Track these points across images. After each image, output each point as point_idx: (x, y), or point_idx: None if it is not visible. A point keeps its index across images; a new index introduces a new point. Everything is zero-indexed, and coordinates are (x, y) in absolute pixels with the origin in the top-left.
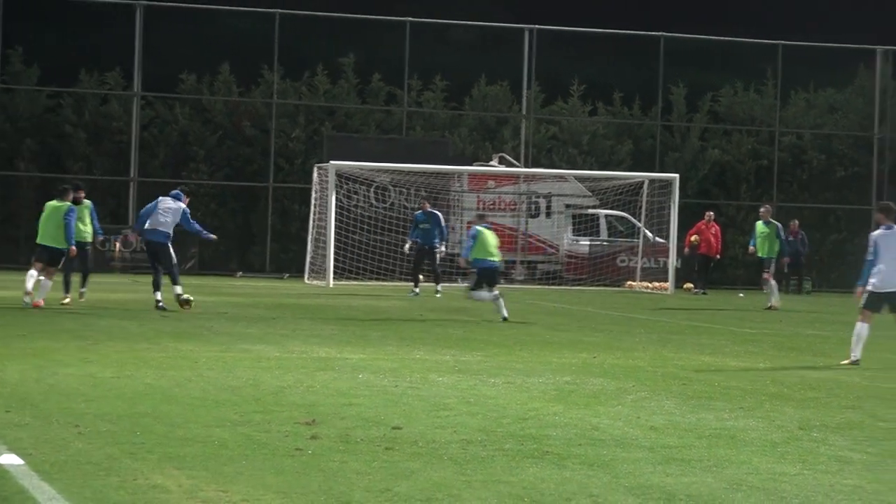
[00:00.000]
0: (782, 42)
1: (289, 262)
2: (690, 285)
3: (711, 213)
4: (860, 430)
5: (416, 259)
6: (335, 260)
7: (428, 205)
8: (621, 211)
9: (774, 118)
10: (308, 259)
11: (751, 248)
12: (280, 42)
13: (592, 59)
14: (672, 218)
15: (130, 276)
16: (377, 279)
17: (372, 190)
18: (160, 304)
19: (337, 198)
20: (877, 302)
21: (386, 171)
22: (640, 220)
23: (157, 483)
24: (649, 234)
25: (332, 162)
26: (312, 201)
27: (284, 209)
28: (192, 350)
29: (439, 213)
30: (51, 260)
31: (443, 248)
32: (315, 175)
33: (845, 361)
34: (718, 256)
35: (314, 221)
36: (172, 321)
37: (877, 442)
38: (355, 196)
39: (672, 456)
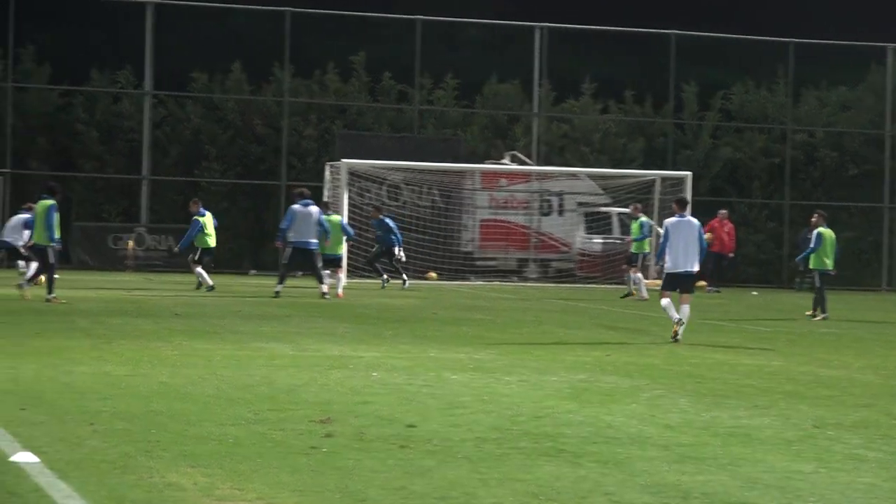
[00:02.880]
0: (794, 40)
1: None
2: (704, 283)
3: (725, 211)
4: (875, 429)
5: (374, 256)
6: (348, 258)
7: (379, 213)
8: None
9: (786, 116)
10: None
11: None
12: (291, 40)
13: (604, 57)
14: None
15: (144, 275)
16: (390, 276)
17: (384, 188)
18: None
19: (349, 196)
20: (672, 282)
21: (398, 169)
22: (652, 218)
23: (173, 481)
24: (661, 232)
25: (344, 160)
26: (325, 199)
27: None
28: (206, 348)
29: (389, 220)
30: None
31: (402, 254)
32: (327, 173)
33: (675, 329)
34: (732, 255)
35: None
36: (186, 320)
37: (891, 440)
38: (367, 194)
39: (687, 454)
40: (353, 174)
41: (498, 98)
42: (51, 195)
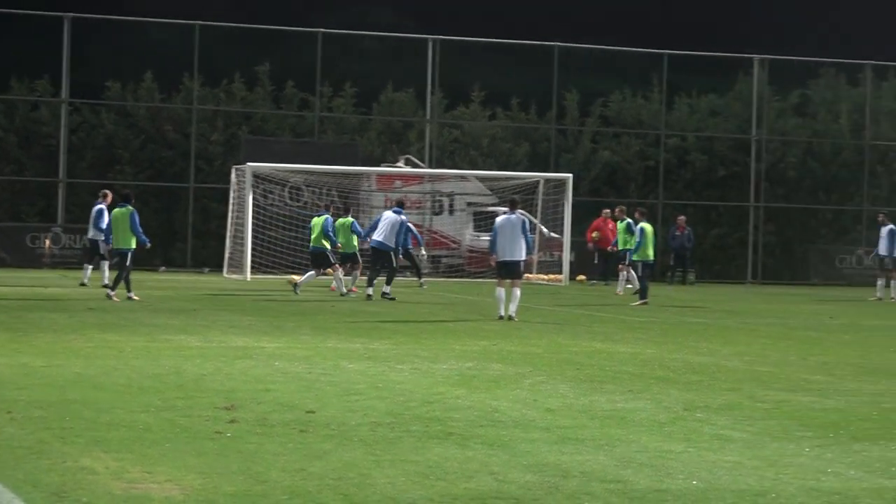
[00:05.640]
0: (667, 51)
1: (208, 257)
2: (583, 277)
3: (608, 210)
4: (740, 411)
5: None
6: (252, 255)
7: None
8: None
9: (660, 122)
10: (227, 254)
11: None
12: (200, 51)
13: (492, 67)
14: (566, 215)
15: (59, 272)
16: (292, 273)
17: (286, 189)
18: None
19: (253, 197)
20: (502, 269)
21: (299, 172)
22: (536, 217)
23: (86, 465)
24: (545, 230)
25: (248, 163)
26: (231, 200)
27: (204, 208)
28: (117, 340)
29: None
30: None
31: (423, 252)
32: (233, 176)
33: (500, 317)
34: (610, 249)
35: (232, 219)
36: (99, 313)
37: (755, 421)
38: (271, 195)
39: (567, 436)
40: (258, 176)
41: (393, 105)
42: (128, 202)
